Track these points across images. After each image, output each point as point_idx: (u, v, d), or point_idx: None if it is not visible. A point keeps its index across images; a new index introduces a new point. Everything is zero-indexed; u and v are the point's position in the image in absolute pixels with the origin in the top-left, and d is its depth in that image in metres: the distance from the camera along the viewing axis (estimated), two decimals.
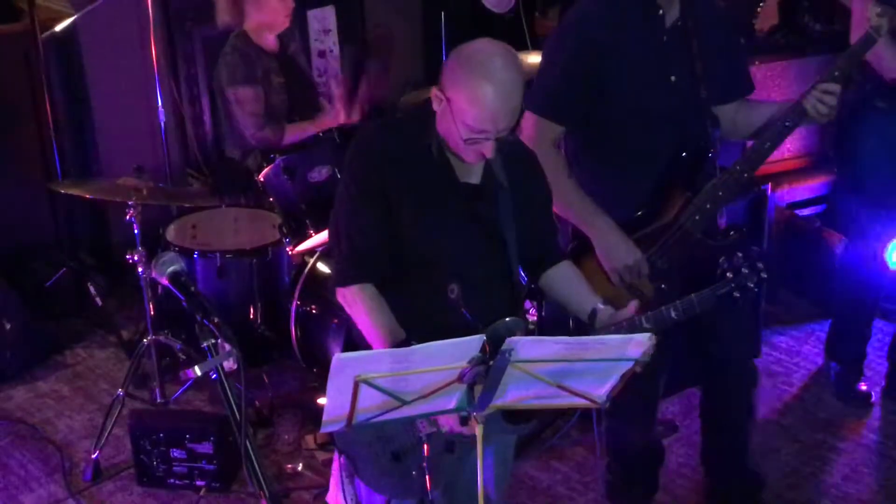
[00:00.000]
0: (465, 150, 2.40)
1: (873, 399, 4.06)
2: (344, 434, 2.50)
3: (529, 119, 2.95)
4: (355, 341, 2.57)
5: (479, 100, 2.32)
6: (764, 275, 2.51)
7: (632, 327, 2.50)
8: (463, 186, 2.49)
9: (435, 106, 2.42)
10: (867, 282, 3.99)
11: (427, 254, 2.46)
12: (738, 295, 2.51)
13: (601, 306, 2.57)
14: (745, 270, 2.49)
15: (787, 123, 2.88)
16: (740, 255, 2.51)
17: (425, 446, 2.47)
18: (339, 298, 2.52)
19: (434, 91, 2.41)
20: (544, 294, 2.76)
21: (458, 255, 2.48)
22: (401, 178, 2.43)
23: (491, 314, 2.37)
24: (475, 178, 2.51)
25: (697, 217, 2.95)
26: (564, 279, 2.68)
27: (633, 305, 2.52)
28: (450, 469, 2.56)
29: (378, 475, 2.54)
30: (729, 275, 2.50)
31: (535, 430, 3.81)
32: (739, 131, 3.08)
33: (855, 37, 3.56)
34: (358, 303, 2.47)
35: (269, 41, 4.33)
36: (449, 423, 2.42)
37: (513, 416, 2.47)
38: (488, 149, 2.37)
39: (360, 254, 2.46)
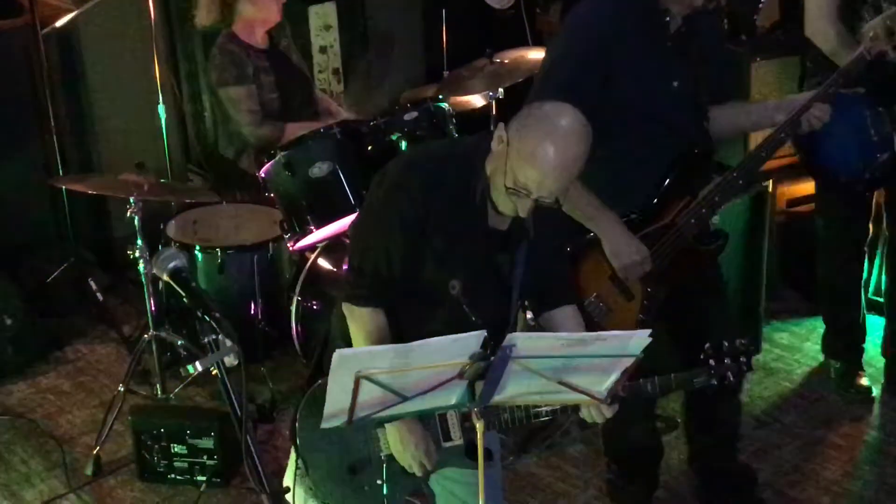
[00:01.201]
0: (503, 199, 2.38)
1: (873, 395, 4.05)
2: (309, 441, 2.50)
3: None
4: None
5: (536, 157, 2.30)
6: (746, 369, 2.51)
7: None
8: (490, 231, 2.48)
9: (494, 145, 2.39)
10: (850, 271, 4.00)
11: (435, 283, 2.46)
12: (714, 383, 2.51)
13: None
14: (727, 361, 2.50)
15: (782, 135, 2.96)
16: (727, 345, 2.51)
17: (384, 466, 2.49)
18: (345, 311, 2.51)
19: (500, 130, 2.38)
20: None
21: (466, 291, 2.47)
22: (438, 218, 2.42)
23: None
24: (504, 224, 2.49)
25: (693, 221, 2.96)
26: (565, 324, 2.67)
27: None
28: (410, 485, 2.57)
29: (329, 483, 2.54)
30: (711, 362, 2.50)
31: (536, 427, 3.81)
32: (712, 132, 3.09)
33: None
34: (363, 326, 2.46)
35: (259, 38, 4.29)
36: None
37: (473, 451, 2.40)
38: (524, 207, 2.36)
39: (380, 279, 2.45)
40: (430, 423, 2.49)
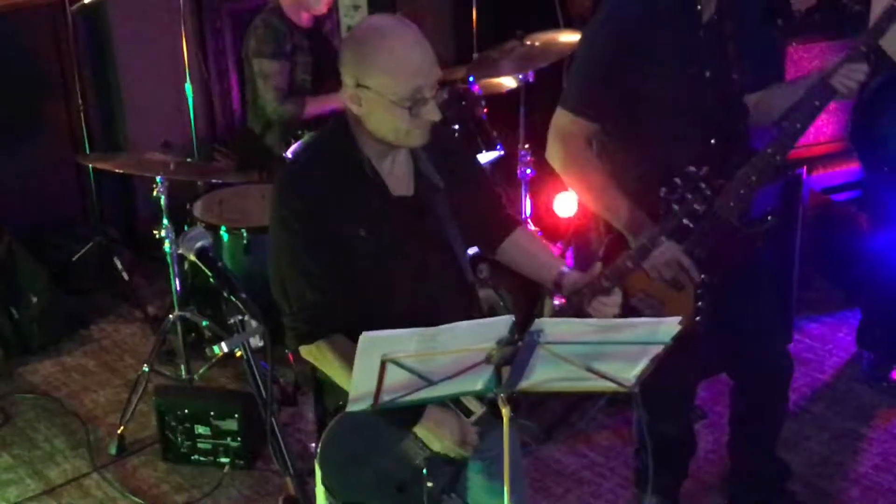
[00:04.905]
0: (412, 132, 2.31)
1: None
2: (344, 484, 2.44)
3: (563, 117, 2.90)
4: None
5: (398, 62, 2.24)
6: (708, 192, 2.39)
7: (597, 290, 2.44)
8: (398, 201, 2.40)
9: (354, 109, 2.31)
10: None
11: (379, 276, 2.37)
12: (689, 223, 2.41)
13: (565, 269, 2.50)
14: (689, 196, 2.39)
15: (816, 103, 2.82)
16: (678, 180, 2.39)
17: (426, 469, 2.42)
18: (304, 355, 2.42)
19: (346, 95, 2.30)
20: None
21: (408, 270, 2.40)
22: (339, 209, 2.33)
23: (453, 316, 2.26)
24: (408, 188, 2.42)
25: (732, 204, 2.89)
26: (522, 247, 2.60)
27: (597, 266, 2.45)
28: (455, 474, 2.51)
29: None
30: (675, 206, 2.40)
31: (562, 414, 3.77)
32: (758, 118, 3.03)
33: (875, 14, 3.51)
34: (330, 356, 2.36)
35: (304, 18, 4.31)
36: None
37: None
38: (434, 112, 2.29)
39: (318, 306, 2.35)
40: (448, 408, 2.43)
